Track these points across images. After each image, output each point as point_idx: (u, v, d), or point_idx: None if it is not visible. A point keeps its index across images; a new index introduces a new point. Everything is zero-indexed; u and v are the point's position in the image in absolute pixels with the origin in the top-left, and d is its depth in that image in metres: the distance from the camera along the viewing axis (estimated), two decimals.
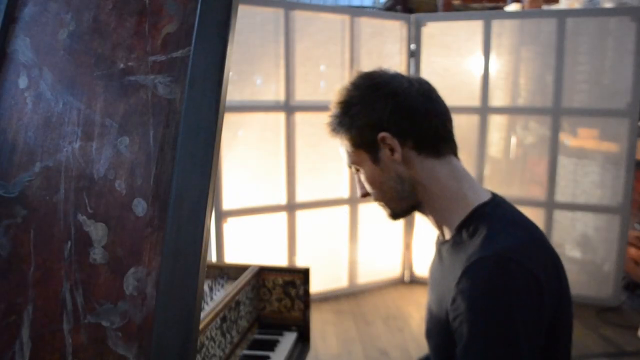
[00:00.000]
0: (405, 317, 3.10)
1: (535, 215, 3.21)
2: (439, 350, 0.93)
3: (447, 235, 0.95)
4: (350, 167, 0.99)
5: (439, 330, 0.91)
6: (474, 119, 3.32)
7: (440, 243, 0.98)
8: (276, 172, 3.11)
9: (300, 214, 3.20)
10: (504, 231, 0.85)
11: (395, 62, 3.36)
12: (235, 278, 1.37)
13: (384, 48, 3.36)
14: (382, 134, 0.92)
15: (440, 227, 0.97)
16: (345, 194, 3.33)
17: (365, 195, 0.99)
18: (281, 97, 3.06)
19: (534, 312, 0.78)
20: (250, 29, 2.94)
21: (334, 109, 0.96)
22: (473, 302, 0.79)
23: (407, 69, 3.42)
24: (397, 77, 0.95)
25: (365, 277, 3.49)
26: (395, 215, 0.99)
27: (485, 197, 0.93)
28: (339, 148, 0.99)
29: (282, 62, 3.03)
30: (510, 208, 0.93)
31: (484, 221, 0.87)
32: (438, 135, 0.93)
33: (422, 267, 3.56)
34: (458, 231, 0.91)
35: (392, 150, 0.92)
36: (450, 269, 0.89)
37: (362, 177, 0.97)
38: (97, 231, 0.60)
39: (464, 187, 0.93)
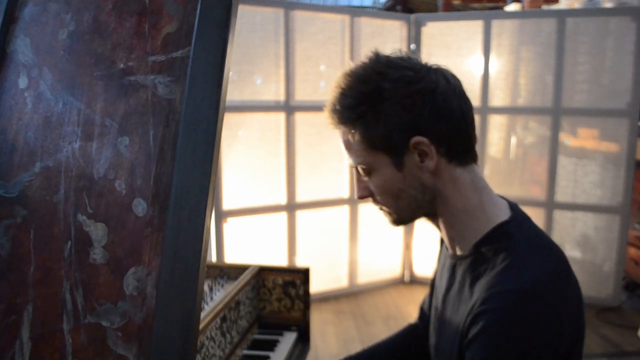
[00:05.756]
0: (405, 317, 3.10)
1: (535, 215, 3.19)
2: None
3: (460, 250, 0.88)
4: (355, 167, 0.86)
5: (452, 350, 0.84)
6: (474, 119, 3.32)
7: (454, 259, 0.89)
8: (276, 172, 3.11)
9: (300, 214, 3.21)
10: (529, 260, 0.78)
11: None
12: (235, 278, 1.37)
13: (384, 48, 3.28)
14: (417, 139, 0.79)
15: (452, 242, 0.89)
16: (345, 194, 3.33)
17: (364, 197, 0.88)
18: (281, 97, 3.06)
19: (551, 350, 0.75)
20: (250, 29, 2.94)
21: (349, 98, 0.81)
22: (492, 331, 0.74)
23: None
24: (428, 69, 0.84)
25: (365, 277, 3.49)
26: (400, 222, 0.89)
27: (505, 214, 0.85)
28: (341, 144, 0.86)
29: (282, 62, 3.03)
30: (532, 227, 0.86)
31: (507, 243, 0.80)
32: (470, 141, 0.85)
33: (422, 267, 3.56)
34: (477, 249, 0.83)
35: (422, 156, 0.81)
36: (468, 291, 0.83)
37: (375, 182, 0.84)
38: (97, 231, 0.60)
39: (484, 201, 0.85)
